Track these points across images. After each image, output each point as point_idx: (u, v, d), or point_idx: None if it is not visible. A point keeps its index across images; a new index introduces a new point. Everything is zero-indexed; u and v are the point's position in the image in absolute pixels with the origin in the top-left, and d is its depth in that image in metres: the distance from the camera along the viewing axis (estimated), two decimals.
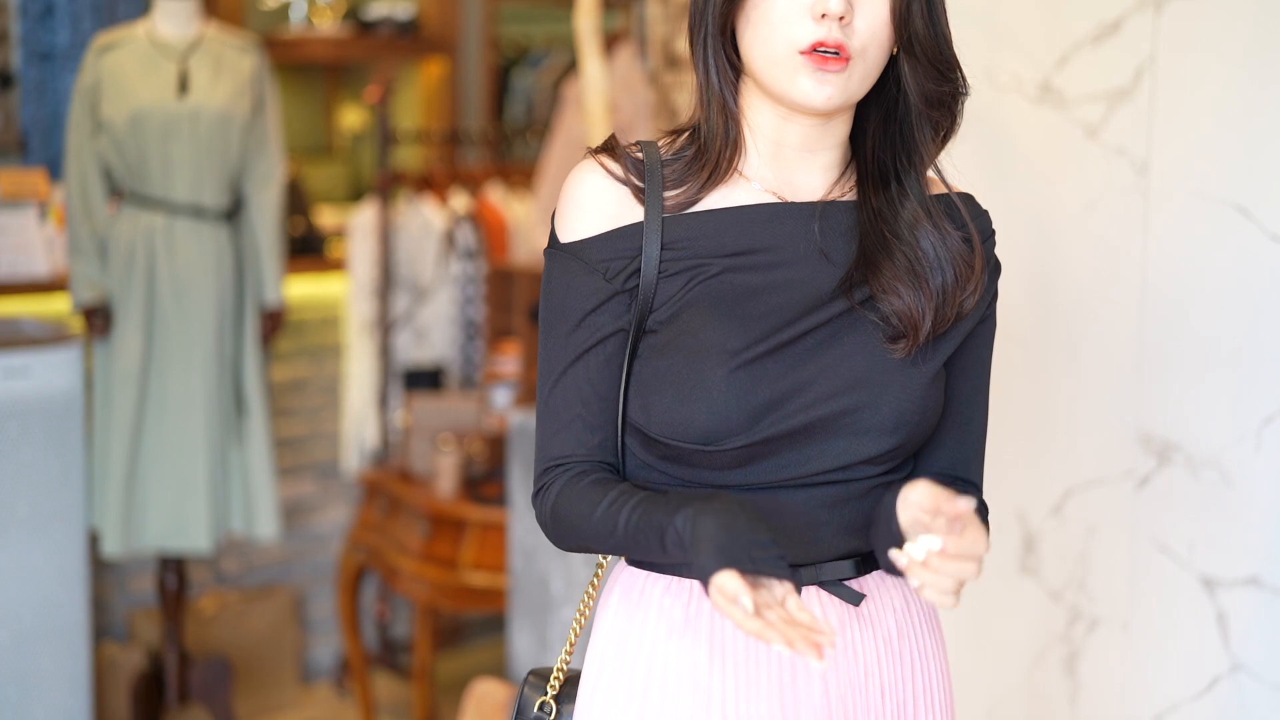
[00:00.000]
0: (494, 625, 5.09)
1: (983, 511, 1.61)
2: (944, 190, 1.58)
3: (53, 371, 3.61)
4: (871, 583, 1.57)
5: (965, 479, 1.63)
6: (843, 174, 1.55)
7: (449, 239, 4.59)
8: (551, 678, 1.64)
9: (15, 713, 3.55)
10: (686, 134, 1.56)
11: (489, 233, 4.61)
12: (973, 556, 1.34)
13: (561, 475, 1.51)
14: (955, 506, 1.33)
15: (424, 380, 4.44)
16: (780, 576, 1.32)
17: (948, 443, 1.60)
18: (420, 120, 6.09)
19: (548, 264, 1.53)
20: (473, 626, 5.15)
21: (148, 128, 3.71)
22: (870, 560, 1.56)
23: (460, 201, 4.72)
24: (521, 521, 3.24)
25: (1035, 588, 2.53)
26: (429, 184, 4.80)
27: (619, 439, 1.52)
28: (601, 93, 4.02)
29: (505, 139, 5.77)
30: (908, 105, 1.52)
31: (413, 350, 4.71)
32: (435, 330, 4.68)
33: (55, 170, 4.31)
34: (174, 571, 3.98)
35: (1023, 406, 2.54)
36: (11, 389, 3.54)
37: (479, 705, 2.89)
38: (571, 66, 5.27)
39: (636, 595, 1.54)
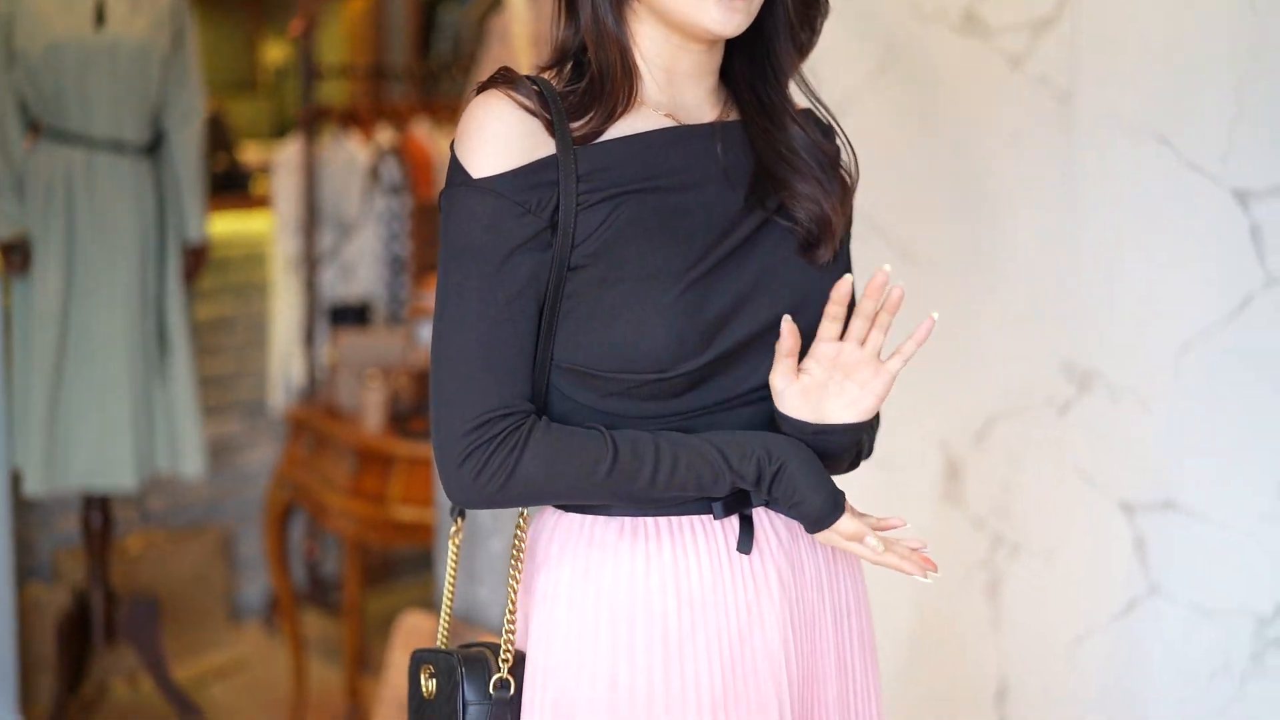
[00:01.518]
0: (421, 563, 5.09)
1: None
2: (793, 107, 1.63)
3: None
4: None
5: None
6: (724, 97, 1.59)
7: (374, 174, 4.55)
8: (502, 652, 1.57)
9: None
10: (570, 65, 1.55)
11: (415, 168, 4.58)
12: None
13: (522, 425, 1.45)
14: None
15: (350, 316, 4.42)
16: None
17: None
18: (344, 55, 6.02)
19: (455, 202, 1.46)
20: (401, 564, 5.15)
21: (64, 60, 3.64)
22: None
23: (385, 137, 4.68)
24: None
25: (959, 515, 2.56)
26: (354, 119, 4.75)
27: (546, 382, 1.50)
28: (527, 27, 3.99)
29: (431, 74, 5.72)
30: (776, 27, 1.57)
31: (339, 287, 4.68)
32: (361, 266, 4.65)
33: None
34: (99, 510, 3.95)
35: (946, 336, 2.56)
36: None
37: (408, 637, 2.90)
38: (498, 1, 5.22)
39: (585, 544, 1.53)
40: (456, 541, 1.63)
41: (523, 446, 1.45)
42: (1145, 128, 2.27)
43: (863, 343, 1.48)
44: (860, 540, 1.50)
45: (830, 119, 1.63)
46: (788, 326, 1.46)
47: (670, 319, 1.45)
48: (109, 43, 3.67)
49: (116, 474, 3.74)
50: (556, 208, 1.45)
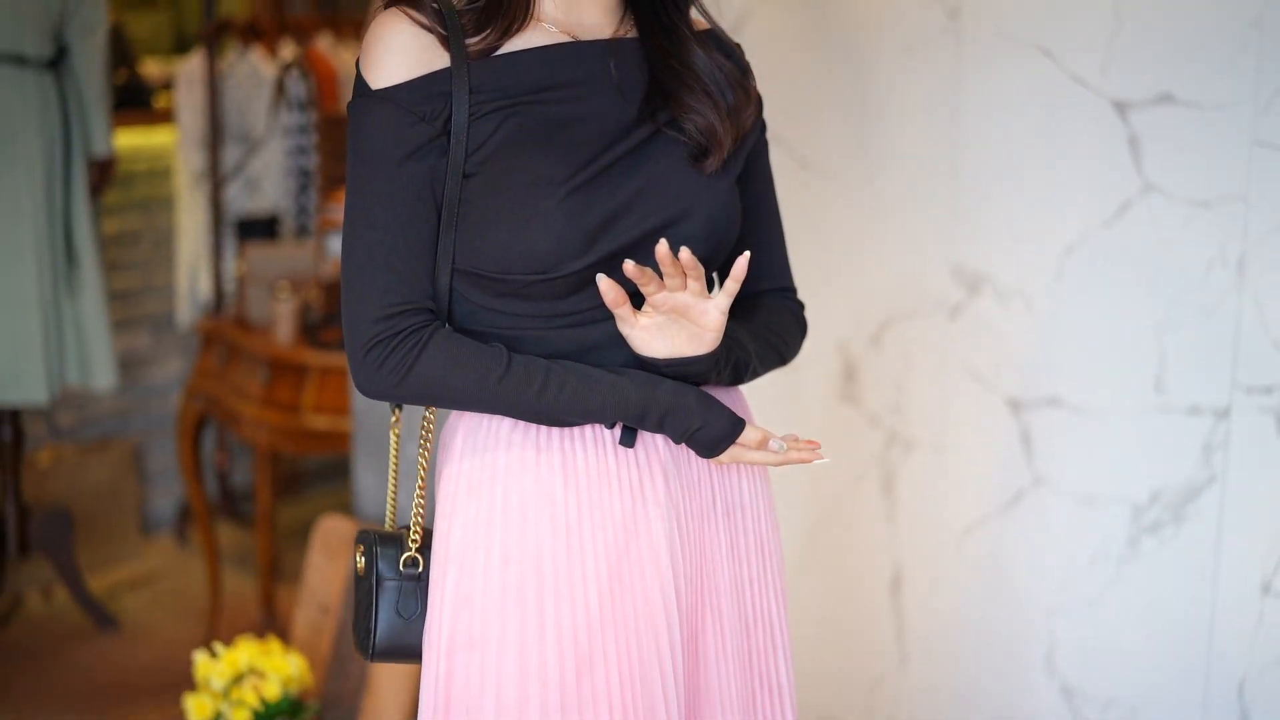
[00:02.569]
0: (331, 473, 5.15)
1: (798, 309, 1.82)
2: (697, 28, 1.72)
3: None
4: None
5: (786, 287, 1.83)
6: (622, 16, 1.68)
7: (279, 88, 4.56)
8: (412, 532, 1.70)
9: None
10: None
11: (320, 82, 4.59)
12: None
13: (426, 326, 1.57)
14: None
15: (259, 229, 4.43)
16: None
17: (765, 255, 1.77)
18: None
19: (358, 112, 1.58)
20: (311, 474, 5.21)
21: None
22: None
23: (289, 51, 4.67)
24: None
25: (855, 414, 2.68)
26: (256, 33, 4.74)
27: (449, 285, 1.61)
28: None
29: None
30: None
31: (245, 201, 4.69)
32: (267, 180, 4.66)
33: None
34: (9, 424, 3.97)
35: (842, 242, 2.66)
36: None
37: (325, 541, 2.97)
38: None
39: (483, 437, 1.64)
40: (397, 431, 1.74)
41: (423, 345, 1.56)
42: (1029, 41, 2.37)
43: (684, 288, 1.55)
44: (765, 446, 1.62)
45: (730, 41, 1.73)
46: (604, 284, 1.53)
47: (551, 222, 1.55)
48: None
49: (27, 388, 3.76)
50: (450, 117, 1.56)
